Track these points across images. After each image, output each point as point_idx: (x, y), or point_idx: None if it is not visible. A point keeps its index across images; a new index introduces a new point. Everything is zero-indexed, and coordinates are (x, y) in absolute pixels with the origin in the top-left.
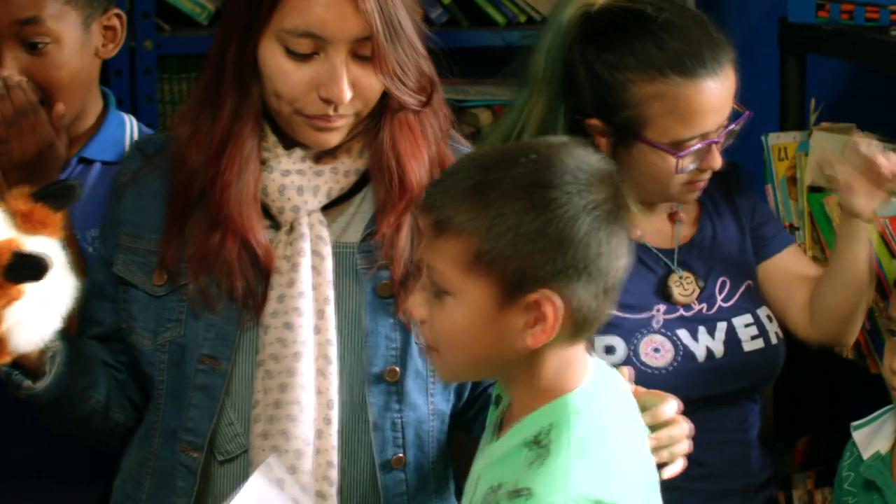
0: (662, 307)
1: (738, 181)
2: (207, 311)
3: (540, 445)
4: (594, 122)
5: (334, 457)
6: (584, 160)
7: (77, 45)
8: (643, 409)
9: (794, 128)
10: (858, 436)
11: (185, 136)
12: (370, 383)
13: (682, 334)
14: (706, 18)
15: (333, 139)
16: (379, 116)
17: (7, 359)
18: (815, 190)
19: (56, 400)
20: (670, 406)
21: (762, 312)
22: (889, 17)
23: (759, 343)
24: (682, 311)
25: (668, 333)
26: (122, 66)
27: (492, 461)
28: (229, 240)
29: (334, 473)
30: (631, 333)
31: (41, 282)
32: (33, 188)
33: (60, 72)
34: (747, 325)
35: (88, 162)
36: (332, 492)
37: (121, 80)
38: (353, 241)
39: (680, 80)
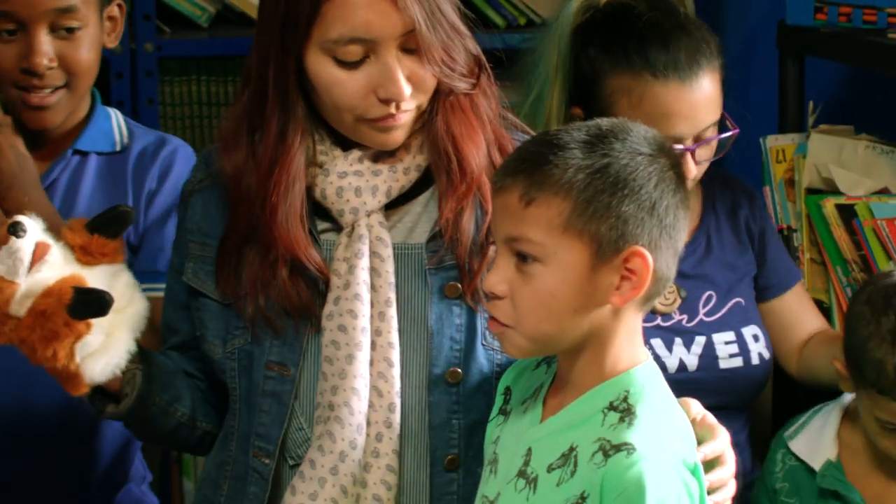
0: None
1: (751, 206)
2: (269, 334)
3: (619, 410)
4: (577, 111)
5: (395, 461)
6: (647, 130)
7: (99, 31)
8: (697, 440)
9: (793, 130)
10: (797, 446)
11: (235, 162)
12: (431, 384)
13: (656, 343)
14: (699, 25)
15: (399, 137)
16: (431, 105)
17: (85, 389)
18: (812, 192)
19: (142, 418)
20: (721, 442)
21: (748, 331)
22: (887, 20)
23: (738, 362)
24: (659, 321)
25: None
26: (123, 68)
27: (548, 433)
28: (280, 263)
29: (394, 479)
30: None
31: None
32: (87, 219)
33: (90, 55)
34: (727, 343)
35: (84, 154)
36: (391, 496)
37: (122, 82)
38: (419, 242)
39: (650, 78)
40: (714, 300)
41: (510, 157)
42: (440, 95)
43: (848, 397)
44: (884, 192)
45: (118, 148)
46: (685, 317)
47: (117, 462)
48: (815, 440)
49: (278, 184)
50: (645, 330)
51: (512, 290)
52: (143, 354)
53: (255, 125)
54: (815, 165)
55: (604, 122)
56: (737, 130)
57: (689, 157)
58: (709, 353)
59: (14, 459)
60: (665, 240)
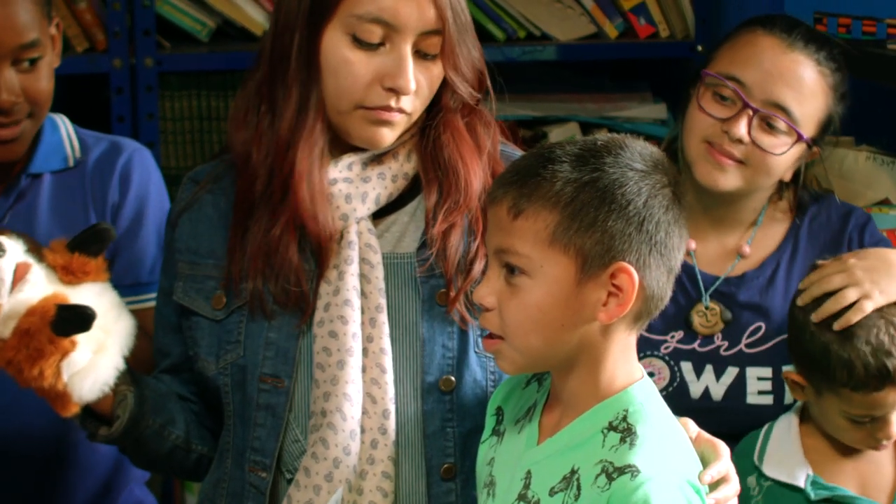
0: (679, 334)
1: (850, 245)
2: (263, 319)
3: (619, 430)
4: None
5: (391, 468)
6: (644, 147)
7: (52, 56)
8: (700, 458)
9: None
10: (772, 470)
11: (244, 139)
12: (425, 392)
13: (686, 367)
14: (829, 38)
15: (389, 136)
16: (426, 121)
17: (75, 409)
18: None
19: (136, 441)
20: (725, 461)
21: (787, 370)
22: (886, 31)
23: (768, 399)
24: (697, 344)
25: (671, 362)
26: (123, 83)
27: (548, 455)
28: (290, 233)
29: (390, 485)
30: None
31: (92, 330)
32: (68, 239)
33: (49, 83)
34: (761, 379)
35: (36, 176)
36: (387, 503)
37: (122, 97)
38: (409, 251)
39: (758, 28)
40: (761, 333)
41: (506, 169)
42: (445, 112)
43: (796, 408)
44: (885, 203)
45: (71, 163)
46: (725, 343)
47: (113, 479)
48: (786, 456)
49: (305, 157)
50: (680, 351)
51: (500, 302)
52: (135, 377)
53: (272, 98)
54: (816, 176)
55: (601, 137)
56: (806, 139)
57: (742, 117)
58: (737, 386)
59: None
60: (655, 257)
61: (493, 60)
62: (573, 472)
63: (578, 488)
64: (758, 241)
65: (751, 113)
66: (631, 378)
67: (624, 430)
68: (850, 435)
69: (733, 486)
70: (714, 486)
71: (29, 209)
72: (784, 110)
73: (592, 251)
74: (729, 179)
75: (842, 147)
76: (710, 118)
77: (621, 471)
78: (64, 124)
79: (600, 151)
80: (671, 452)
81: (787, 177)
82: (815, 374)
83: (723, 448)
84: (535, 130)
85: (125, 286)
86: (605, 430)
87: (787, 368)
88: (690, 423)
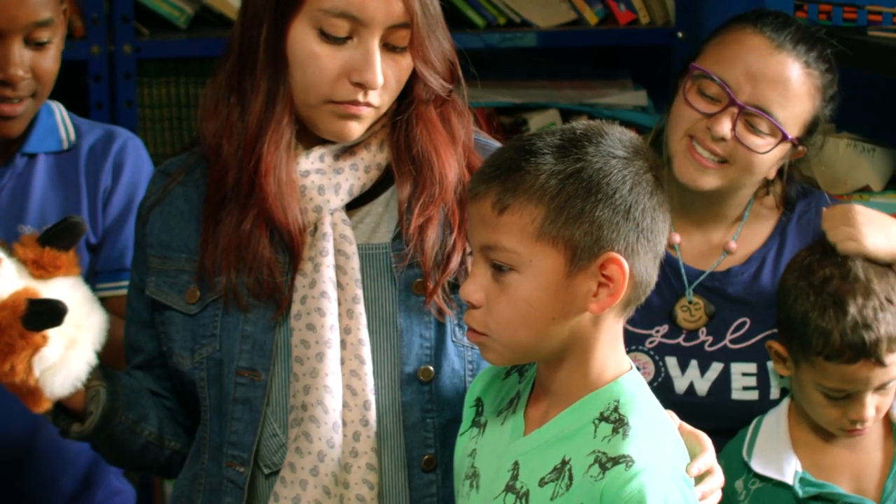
0: (663, 328)
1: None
2: (239, 311)
3: (611, 420)
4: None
5: (374, 459)
6: (623, 133)
7: (62, 39)
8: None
9: None
10: (760, 465)
11: (214, 130)
12: (403, 383)
13: (670, 361)
14: (819, 34)
15: (357, 130)
16: (398, 112)
17: (47, 405)
18: None
19: (108, 438)
20: (711, 454)
21: (774, 365)
22: (867, 18)
23: (753, 395)
24: (682, 339)
25: (656, 357)
26: (102, 70)
27: (536, 446)
28: (261, 227)
29: (375, 477)
30: None
31: (63, 325)
32: (38, 233)
33: (56, 64)
34: (745, 374)
35: (31, 155)
36: (373, 495)
37: (100, 84)
38: (384, 242)
39: (748, 26)
40: (746, 328)
41: (485, 163)
42: (417, 103)
43: (785, 402)
44: (865, 190)
45: (65, 146)
46: (710, 339)
47: (92, 471)
48: (774, 451)
49: (272, 150)
50: (665, 346)
51: (488, 299)
52: (106, 372)
53: (241, 90)
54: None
55: (579, 125)
56: (791, 139)
57: (726, 114)
58: (722, 381)
59: None
60: (643, 244)
61: (473, 47)
62: (564, 462)
63: (570, 478)
64: (744, 237)
65: (735, 112)
66: (620, 369)
67: (616, 420)
68: (826, 413)
69: (718, 479)
70: (699, 478)
71: (22, 189)
72: (768, 112)
73: (581, 242)
74: (708, 179)
75: (822, 134)
76: (695, 112)
77: (615, 461)
78: (59, 109)
79: (581, 140)
80: (663, 443)
81: (771, 174)
82: (793, 342)
83: (706, 440)
84: (515, 117)
85: (109, 271)
86: (597, 421)
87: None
88: (673, 415)
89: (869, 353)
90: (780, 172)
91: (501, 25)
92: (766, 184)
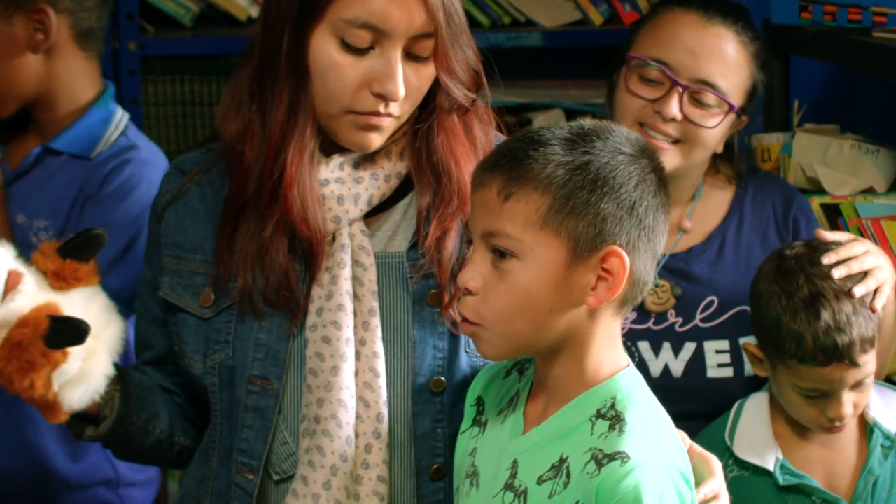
0: (632, 315)
1: (796, 226)
2: (254, 318)
3: (608, 417)
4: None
5: (385, 471)
6: (629, 132)
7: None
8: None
9: (778, 129)
10: (742, 450)
11: (235, 134)
12: (415, 394)
13: (643, 346)
14: (743, 7)
15: (377, 140)
16: (419, 120)
17: (64, 417)
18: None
19: (121, 437)
20: (717, 481)
21: (748, 342)
22: (872, 19)
23: (727, 372)
24: (651, 323)
25: (628, 343)
26: (106, 67)
27: (535, 444)
28: (280, 235)
29: (385, 489)
30: None
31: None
32: (59, 243)
33: None
34: (719, 352)
35: (53, 152)
36: None
37: None
38: (400, 251)
39: (676, 7)
40: (714, 306)
41: (492, 152)
42: (438, 112)
43: (765, 392)
44: (869, 191)
45: (92, 154)
46: (680, 319)
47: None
48: (756, 437)
49: (296, 160)
50: (635, 332)
51: (486, 287)
52: (121, 374)
53: (262, 97)
54: (801, 165)
55: (587, 122)
56: (736, 109)
57: (672, 95)
58: (696, 361)
59: None
60: (644, 241)
61: (478, 46)
62: (562, 460)
63: (568, 476)
64: (699, 216)
65: (680, 90)
66: (617, 366)
67: (612, 417)
68: (804, 412)
69: (718, 480)
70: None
71: (31, 185)
72: (712, 85)
73: (584, 234)
74: (668, 160)
75: (826, 135)
76: (639, 100)
77: (611, 457)
78: (118, 124)
79: (589, 135)
80: (660, 439)
81: (720, 148)
82: (767, 345)
83: (716, 464)
84: (520, 117)
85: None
86: (594, 419)
87: (744, 340)
88: (685, 436)
89: (842, 355)
90: (726, 148)
91: (506, 25)
92: (714, 162)
